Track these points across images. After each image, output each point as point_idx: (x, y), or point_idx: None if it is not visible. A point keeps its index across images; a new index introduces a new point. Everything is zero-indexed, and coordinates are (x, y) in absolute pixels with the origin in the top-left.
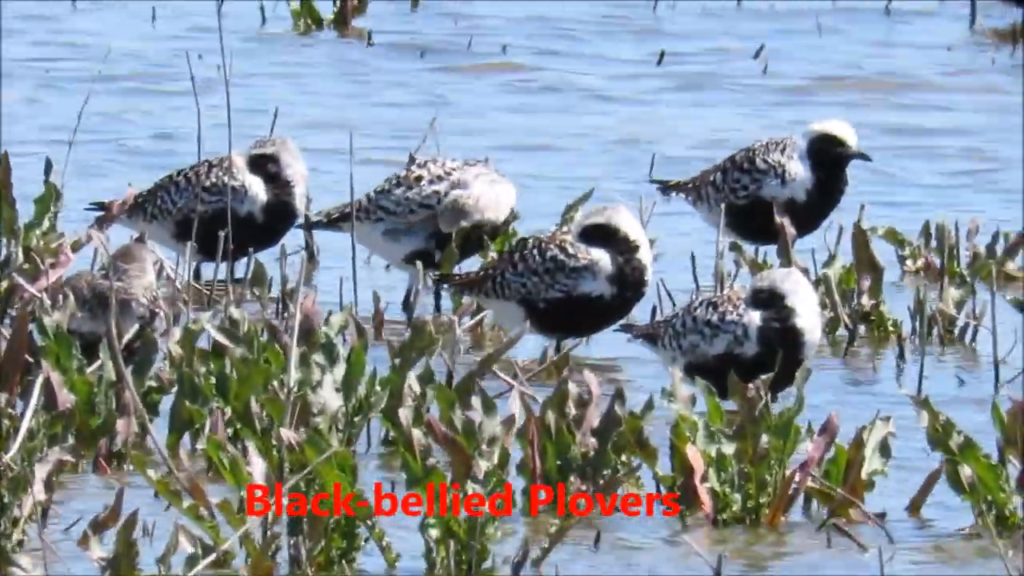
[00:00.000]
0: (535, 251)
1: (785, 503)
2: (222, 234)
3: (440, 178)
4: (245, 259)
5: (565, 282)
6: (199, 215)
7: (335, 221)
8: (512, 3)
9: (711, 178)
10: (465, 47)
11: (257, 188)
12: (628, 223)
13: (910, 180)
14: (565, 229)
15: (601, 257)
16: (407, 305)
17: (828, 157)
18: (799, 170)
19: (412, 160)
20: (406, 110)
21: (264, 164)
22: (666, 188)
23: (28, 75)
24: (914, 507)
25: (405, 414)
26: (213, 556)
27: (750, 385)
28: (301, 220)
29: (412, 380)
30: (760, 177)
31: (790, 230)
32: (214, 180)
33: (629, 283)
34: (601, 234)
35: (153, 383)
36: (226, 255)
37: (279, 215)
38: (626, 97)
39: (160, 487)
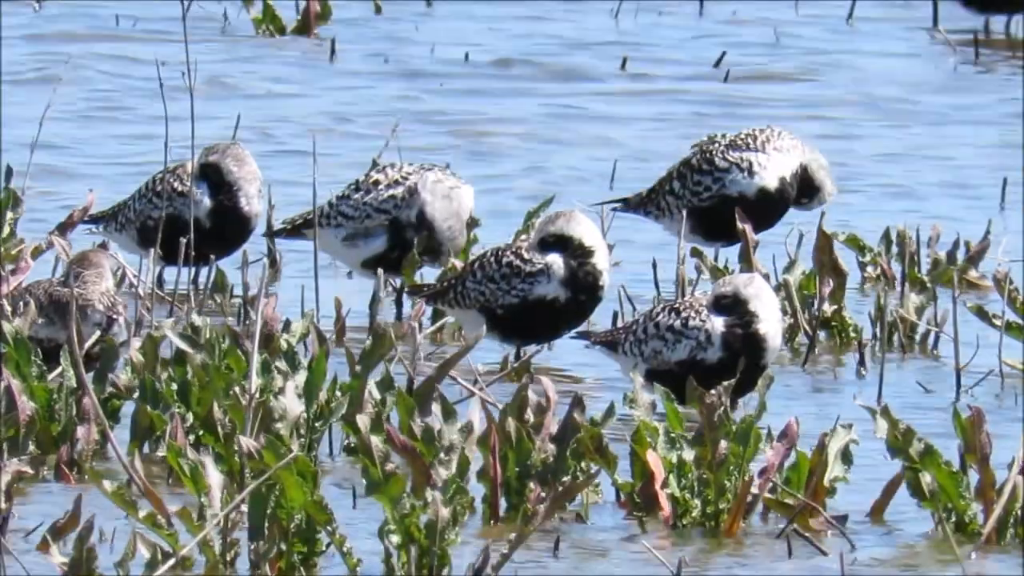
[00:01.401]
0: (492, 259)
1: (744, 509)
2: (183, 241)
3: (397, 183)
4: (206, 267)
5: (521, 287)
6: (153, 221)
7: (298, 228)
8: (474, 4)
9: (667, 187)
10: (429, 51)
11: (202, 194)
12: (582, 229)
13: (873, 185)
14: (524, 237)
15: (555, 261)
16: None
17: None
18: (777, 158)
19: (375, 164)
20: (371, 115)
21: (210, 172)
22: (623, 207)
23: None
24: (875, 512)
25: (363, 420)
26: (172, 561)
27: (711, 391)
28: (256, 226)
29: (372, 387)
30: (722, 175)
31: (752, 235)
32: (164, 186)
33: (584, 287)
34: (556, 240)
35: (112, 390)
36: (187, 260)
37: (226, 220)
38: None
39: (115, 498)
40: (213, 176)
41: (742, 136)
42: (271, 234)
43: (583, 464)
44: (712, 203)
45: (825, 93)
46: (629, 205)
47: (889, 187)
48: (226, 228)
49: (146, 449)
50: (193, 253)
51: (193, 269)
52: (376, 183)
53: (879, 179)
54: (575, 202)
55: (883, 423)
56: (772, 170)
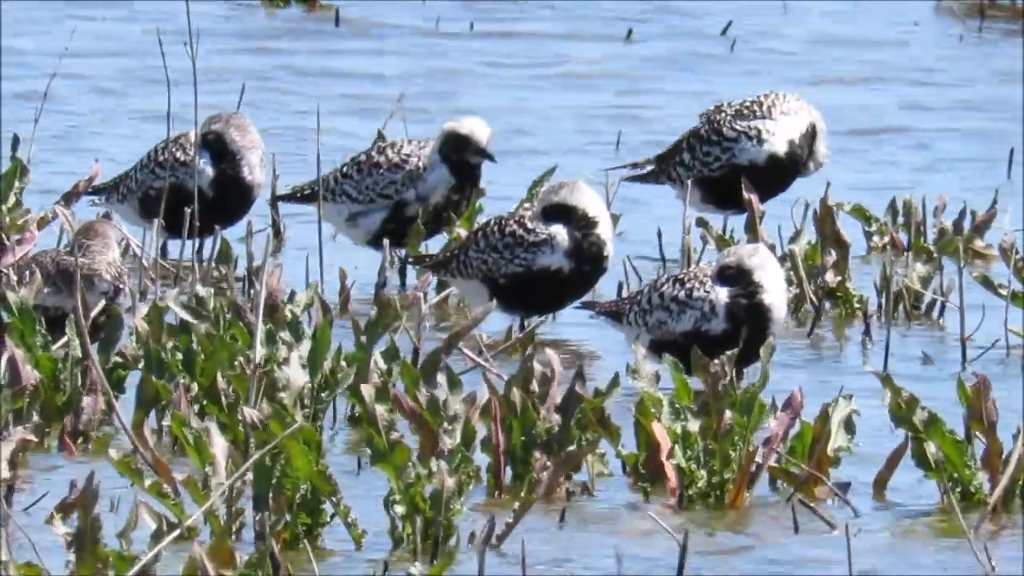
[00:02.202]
0: (495, 228)
1: (749, 479)
2: (188, 211)
3: (398, 166)
4: (210, 238)
5: (524, 256)
6: (155, 191)
7: (306, 197)
8: None
9: (677, 157)
10: (434, 24)
11: (204, 163)
12: (586, 199)
13: (881, 158)
14: (527, 206)
15: (558, 232)
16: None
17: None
18: (787, 123)
19: (381, 136)
20: (378, 86)
21: (212, 140)
22: (632, 175)
23: None
24: (880, 483)
25: (368, 390)
26: (177, 532)
27: (714, 361)
28: (259, 194)
29: (378, 357)
30: (731, 145)
31: (758, 206)
32: (166, 156)
33: (587, 257)
34: (559, 211)
35: (119, 359)
36: (191, 232)
37: (228, 189)
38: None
39: (121, 467)
40: (216, 145)
41: (747, 103)
42: (275, 200)
43: (587, 435)
44: (723, 172)
45: (831, 66)
46: (648, 174)
47: (897, 155)
48: (229, 197)
49: (151, 420)
50: (197, 223)
51: (197, 240)
52: (377, 165)
53: (887, 148)
54: (581, 171)
55: (888, 391)
56: (781, 135)
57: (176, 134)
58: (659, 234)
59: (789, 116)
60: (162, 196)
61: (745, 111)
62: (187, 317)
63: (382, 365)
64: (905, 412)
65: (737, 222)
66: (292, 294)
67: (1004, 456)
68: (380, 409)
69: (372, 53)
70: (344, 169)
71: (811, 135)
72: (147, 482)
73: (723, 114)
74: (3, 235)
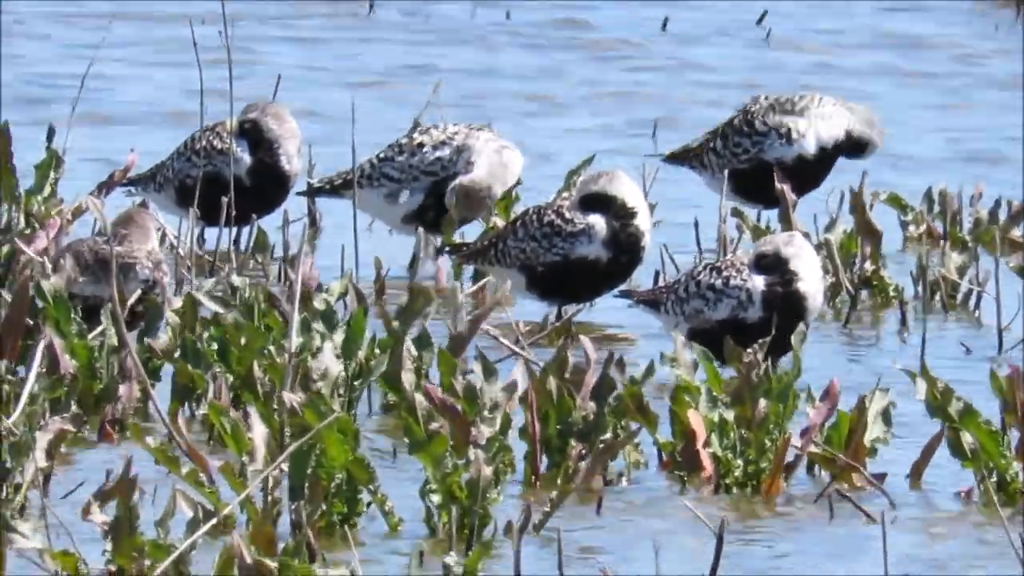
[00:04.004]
0: (534, 217)
1: (784, 469)
2: (224, 200)
3: (444, 143)
4: (247, 227)
5: (562, 246)
6: (192, 180)
7: (337, 188)
8: None
9: (711, 144)
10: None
11: (241, 152)
12: (624, 188)
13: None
14: (566, 195)
15: (597, 222)
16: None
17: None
18: (818, 127)
19: (416, 125)
20: (409, 73)
21: (249, 129)
22: (669, 158)
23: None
24: (916, 473)
25: (408, 378)
26: (214, 520)
27: (748, 350)
28: (296, 183)
29: (411, 345)
30: (761, 139)
31: (791, 196)
32: (203, 144)
33: (625, 247)
34: (598, 200)
35: (154, 349)
36: (228, 221)
37: (266, 178)
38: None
39: (159, 455)
40: (252, 134)
41: (783, 99)
42: (310, 192)
43: (623, 423)
44: (751, 166)
45: (865, 55)
46: (675, 157)
47: (931, 147)
48: (266, 186)
49: (185, 410)
50: (234, 212)
51: (234, 229)
52: (421, 145)
53: (920, 140)
54: (618, 159)
55: (922, 383)
56: (811, 138)
57: (212, 123)
58: (695, 224)
59: (824, 120)
60: (198, 185)
61: (778, 107)
62: (214, 307)
63: (414, 352)
64: (940, 402)
65: (772, 212)
66: (322, 285)
67: None
68: (419, 398)
69: (407, 43)
70: (382, 154)
71: (846, 141)
72: (184, 470)
73: (759, 106)
74: (37, 225)
